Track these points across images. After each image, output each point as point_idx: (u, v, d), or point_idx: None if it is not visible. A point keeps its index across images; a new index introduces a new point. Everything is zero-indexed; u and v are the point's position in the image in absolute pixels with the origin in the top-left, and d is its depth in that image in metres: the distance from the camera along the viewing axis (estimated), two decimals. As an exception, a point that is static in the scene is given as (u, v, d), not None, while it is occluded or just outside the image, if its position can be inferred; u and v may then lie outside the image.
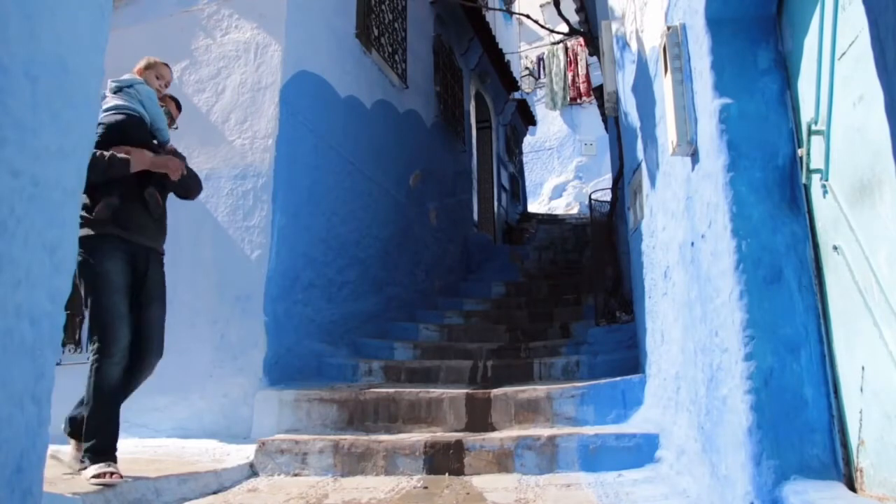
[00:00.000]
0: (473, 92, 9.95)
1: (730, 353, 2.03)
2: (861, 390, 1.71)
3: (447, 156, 8.26)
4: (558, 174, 17.06)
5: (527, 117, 13.09)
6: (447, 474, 3.20)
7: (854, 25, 1.65)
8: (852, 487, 1.76)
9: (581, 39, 10.69)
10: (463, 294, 7.43)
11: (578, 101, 16.18)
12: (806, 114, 1.97)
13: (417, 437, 3.46)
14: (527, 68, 16.73)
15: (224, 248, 4.54)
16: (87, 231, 2.72)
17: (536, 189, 16.84)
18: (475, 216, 9.58)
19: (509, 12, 12.66)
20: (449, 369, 4.60)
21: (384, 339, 5.41)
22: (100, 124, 2.80)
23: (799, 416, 1.85)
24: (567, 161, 17.06)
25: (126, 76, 3.05)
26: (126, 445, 4.17)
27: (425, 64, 7.71)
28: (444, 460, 3.26)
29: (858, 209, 1.70)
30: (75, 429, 2.85)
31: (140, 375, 2.94)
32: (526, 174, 14.81)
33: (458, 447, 3.28)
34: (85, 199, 2.74)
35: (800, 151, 1.97)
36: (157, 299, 2.96)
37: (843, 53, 1.73)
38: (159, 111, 3.05)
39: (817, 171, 1.90)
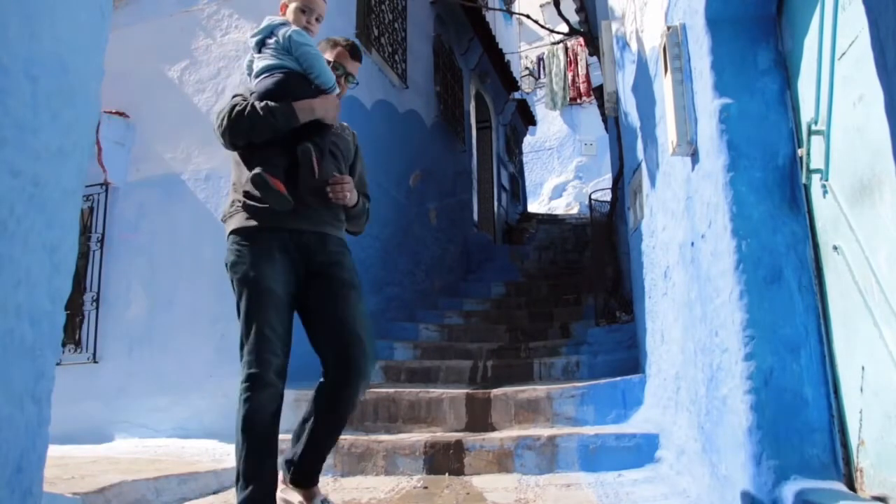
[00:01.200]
0: (473, 92, 9.94)
1: (730, 353, 2.03)
2: (861, 390, 1.71)
3: (447, 156, 8.26)
4: (558, 174, 17.06)
5: (527, 117, 13.09)
6: (447, 474, 3.20)
7: (854, 26, 1.65)
8: (852, 487, 1.76)
9: (581, 39, 10.68)
10: (463, 294, 7.43)
11: (578, 101, 16.17)
12: (806, 114, 1.97)
13: (417, 437, 3.46)
14: (527, 68, 16.72)
15: (224, 248, 4.53)
16: (238, 222, 2.14)
17: (536, 189, 16.83)
18: (475, 216, 9.57)
19: (509, 12, 12.65)
20: (449, 369, 4.60)
21: (384, 339, 5.41)
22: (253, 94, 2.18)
23: (799, 416, 1.85)
24: (567, 161, 17.06)
25: (270, 19, 2.28)
26: (126, 445, 4.18)
27: (425, 64, 7.70)
28: (444, 460, 3.26)
29: (858, 209, 1.70)
30: (296, 475, 2.28)
31: (346, 390, 2.16)
32: (526, 174, 14.80)
33: (458, 447, 3.28)
34: (237, 180, 2.21)
35: (800, 151, 1.97)
36: (351, 288, 2.19)
37: (843, 53, 1.73)
38: (309, 51, 2.18)
39: (817, 171, 1.90)
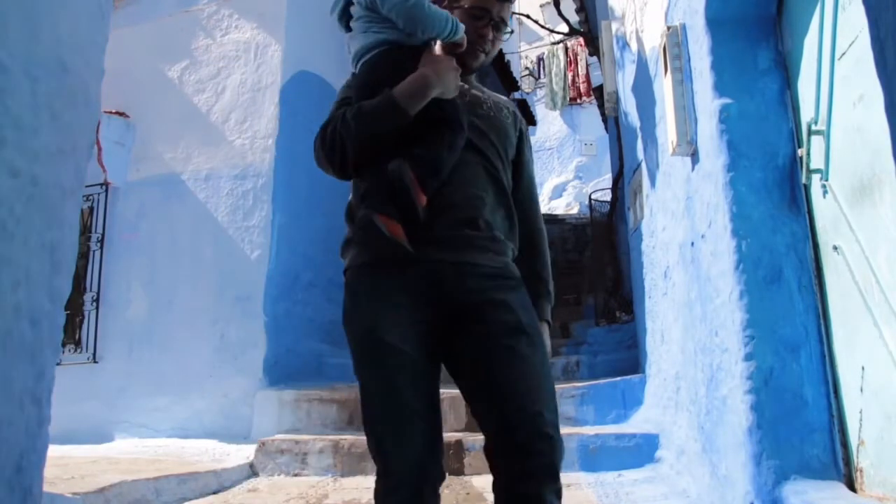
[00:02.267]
0: (473, 92, 9.93)
1: (730, 353, 2.03)
2: (861, 390, 1.71)
3: (447, 156, 8.25)
4: (558, 174, 17.06)
5: (527, 117, 13.09)
6: (447, 474, 3.20)
7: (854, 25, 1.65)
8: (852, 487, 1.76)
9: (581, 39, 10.69)
10: (463, 294, 7.43)
11: (578, 101, 16.14)
12: (806, 114, 1.97)
13: (417, 437, 3.46)
14: (527, 68, 16.71)
15: (224, 248, 4.55)
16: (350, 258, 1.49)
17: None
18: (475, 216, 9.57)
19: (509, 12, 12.65)
20: (449, 369, 4.60)
21: (384, 339, 5.41)
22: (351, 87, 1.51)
23: (799, 416, 1.85)
24: (567, 161, 17.06)
25: None
26: (126, 446, 4.18)
27: (425, 64, 7.70)
28: (444, 460, 3.26)
29: (858, 209, 1.70)
30: None
31: (521, 487, 1.31)
32: (526, 174, 14.78)
33: (458, 447, 3.28)
34: (353, 200, 1.51)
35: (800, 151, 1.97)
36: (520, 335, 1.37)
37: (843, 53, 1.73)
38: (417, 8, 1.40)
39: (817, 171, 1.90)
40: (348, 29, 1.53)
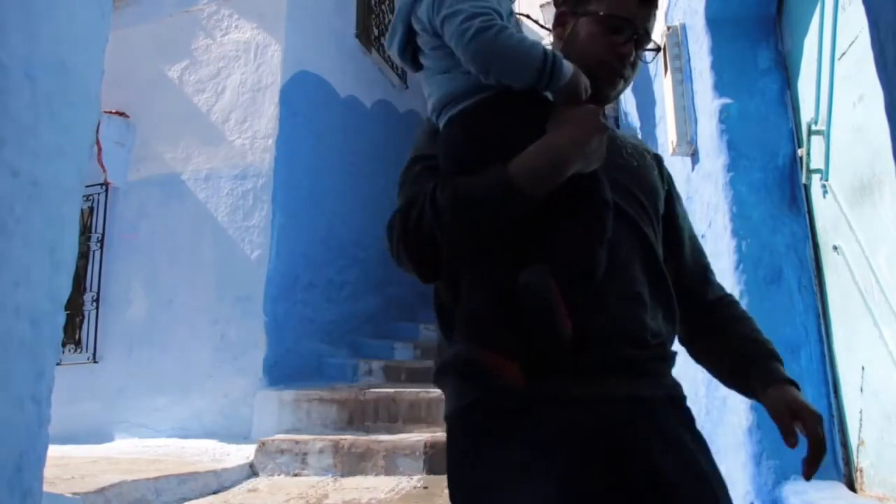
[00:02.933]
0: (473, 92, 9.94)
1: (730, 353, 2.03)
2: (861, 390, 1.71)
3: (447, 156, 8.26)
4: (558, 174, 17.08)
5: (527, 117, 13.09)
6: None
7: (854, 25, 1.65)
8: (852, 487, 1.76)
9: (581, 39, 10.67)
10: (463, 294, 7.42)
11: (578, 101, 16.18)
12: (806, 114, 1.97)
13: (417, 437, 3.46)
14: (527, 68, 16.72)
15: (224, 248, 4.55)
16: (455, 398, 0.99)
17: (536, 189, 16.83)
18: (475, 216, 9.57)
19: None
20: (449, 369, 4.60)
21: (384, 339, 5.42)
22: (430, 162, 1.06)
23: (799, 416, 1.85)
24: (567, 161, 17.09)
25: None
26: (126, 446, 4.18)
27: (425, 64, 7.71)
28: (445, 460, 3.26)
29: (858, 209, 1.70)
30: None
31: None
32: (526, 174, 14.80)
33: None
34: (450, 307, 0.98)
35: (800, 151, 1.97)
36: None
37: (843, 53, 1.73)
38: (484, 42, 0.89)
39: (817, 171, 1.90)
40: (416, 65, 1.07)
